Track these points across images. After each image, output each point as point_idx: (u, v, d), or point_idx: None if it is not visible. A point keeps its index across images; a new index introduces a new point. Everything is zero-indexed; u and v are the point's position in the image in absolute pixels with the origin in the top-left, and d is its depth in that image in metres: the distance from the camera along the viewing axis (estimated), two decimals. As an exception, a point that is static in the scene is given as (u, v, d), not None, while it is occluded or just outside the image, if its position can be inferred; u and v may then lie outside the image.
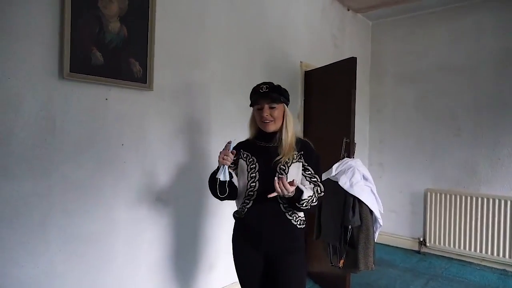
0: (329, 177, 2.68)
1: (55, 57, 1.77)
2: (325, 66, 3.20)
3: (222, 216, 2.63)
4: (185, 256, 2.46)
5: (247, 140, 1.86)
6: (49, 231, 1.79)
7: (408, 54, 4.38)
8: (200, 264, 2.56)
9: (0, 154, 1.61)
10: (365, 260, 2.52)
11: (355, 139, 4.17)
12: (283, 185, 1.47)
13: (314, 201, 1.65)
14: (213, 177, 1.69)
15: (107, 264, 2.02)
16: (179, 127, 2.39)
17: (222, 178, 1.62)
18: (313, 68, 3.39)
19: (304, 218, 1.76)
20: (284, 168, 1.67)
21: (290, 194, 1.53)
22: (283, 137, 1.68)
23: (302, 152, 1.73)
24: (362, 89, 4.54)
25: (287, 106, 1.75)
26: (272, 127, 1.70)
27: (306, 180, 1.72)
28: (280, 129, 1.72)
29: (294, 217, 1.70)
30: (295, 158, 1.70)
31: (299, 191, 1.60)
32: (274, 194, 1.52)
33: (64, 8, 1.75)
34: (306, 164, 1.72)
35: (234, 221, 1.82)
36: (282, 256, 1.68)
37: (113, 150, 2.04)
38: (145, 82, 2.12)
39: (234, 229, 1.83)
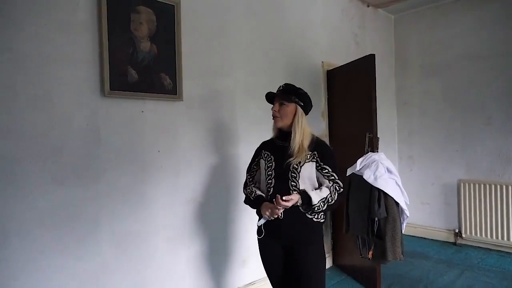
0: (354, 172, 2.77)
1: (97, 77, 2.01)
2: (345, 64, 3.29)
3: (252, 214, 2.78)
4: (219, 252, 2.65)
5: (270, 139, 2.01)
6: (100, 230, 2.04)
7: (433, 45, 4.35)
8: (233, 259, 2.74)
9: (55, 165, 1.87)
10: (393, 250, 2.58)
11: (379, 133, 4.21)
12: (279, 203, 1.67)
13: (331, 200, 1.77)
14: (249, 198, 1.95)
15: (150, 259, 2.25)
16: (209, 133, 2.58)
17: (259, 224, 1.86)
18: (335, 67, 3.48)
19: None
20: (296, 167, 1.78)
21: (289, 205, 1.70)
22: (292, 137, 1.80)
23: (316, 152, 1.82)
24: (387, 83, 4.56)
25: (302, 108, 1.84)
26: (279, 123, 1.84)
27: (324, 178, 1.83)
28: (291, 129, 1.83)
29: (310, 211, 1.82)
30: (308, 158, 1.80)
31: (308, 197, 1.74)
32: (280, 211, 1.73)
33: (102, 34, 1.99)
34: (322, 164, 1.81)
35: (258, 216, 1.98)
36: (300, 247, 1.80)
37: (151, 157, 2.27)
38: (176, 93, 2.34)
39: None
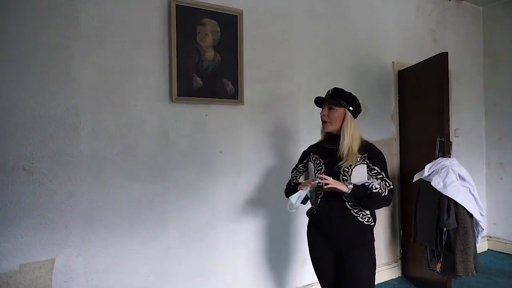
0: (422, 177, 2.62)
1: (166, 85, 2.26)
2: (416, 64, 3.11)
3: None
4: (279, 250, 2.72)
5: (318, 143, 2.03)
6: (167, 222, 2.27)
7: (531, 37, 3.82)
8: (293, 258, 2.79)
9: (131, 163, 2.15)
10: (464, 265, 2.37)
11: (463, 137, 3.86)
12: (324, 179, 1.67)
13: (381, 192, 1.71)
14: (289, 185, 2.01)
15: (211, 252, 2.43)
16: (269, 135, 2.68)
17: (293, 201, 1.79)
18: (406, 67, 3.30)
19: (369, 215, 1.83)
20: (347, 170, 1.77)
21: (341, 187, 1.68)
22: (341, 141, 1.80)
23: (366, 154, 1.81)
24: (473, 82, 4.15)
25: (351, 112, 1.83)
26: (328, 128, 1.85)
27: (372, 178, 1.80)
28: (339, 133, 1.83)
29: (361, 214, 1.79)
30: (358, 161, 1.79)
31: (364, 187, 1.72)
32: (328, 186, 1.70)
33: (171, 46, 2.23)
34: (371, 165, 1.80)
35: (308, 218, 2.00)
36: (350, 250, 1.79)
37: (213, 157, 2.45)
38: (237, 98, 2.48)
39: (308, 225, 2.01)
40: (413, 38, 3.57)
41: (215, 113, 2.44)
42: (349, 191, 1.70)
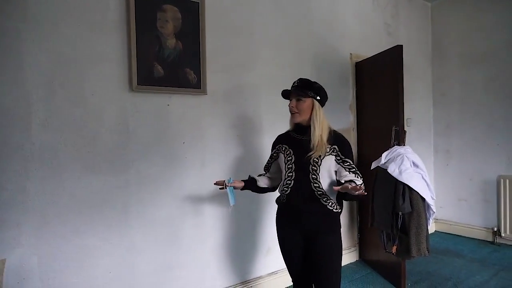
0: (379, 165, 2.74)
1: (125, 73, 2.16)
2: (373, 56, 3.23)
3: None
4: (244, 240, 2.74)
5: (286, 133, 2.05)
6: (129, 216, 2.20)
7: (475, 33, 4.11)
8: (258, 247, 2.82)
9: (89, 155, 2.05)
10: (418, 246, 2.54)
11: (413, 126, 4.08)
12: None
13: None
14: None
15: (177, 244, 2.39)
16: (233, 125, 2.67)
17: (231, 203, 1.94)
18: (363, 59, 3.42)
19: (337, 203, 1.88)
20: (317, 161, 1.81)
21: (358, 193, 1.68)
22: (311, 132, 1.83)
23: (336, 146, 1.85)
24: (423, 74, 4.40)
25: (318, 101, 1.87)
26: (297, 119, 1.87)
27: (346, 170, 1.85)
28: (309, 123, 1.87)
29: (330, 203, 1.84)
30: (327, 151, 1.83)
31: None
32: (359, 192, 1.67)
33: (130, 33, 2.13)
34: (344, 157, 1.84)
35: (277, 206, 2.03)
36: (319, 236, 1.84)
37: (176, 148, 2.39)
38: (200, 88, 2.43)
39: (277, 213, 2.04)
40: (370, 31, 3.70)
41: (178, 103, 2.38)
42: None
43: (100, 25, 2.08)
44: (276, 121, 2.85)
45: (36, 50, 1.89)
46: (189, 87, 2.39)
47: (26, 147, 1.87)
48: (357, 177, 1.85)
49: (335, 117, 3.34)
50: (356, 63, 3.49)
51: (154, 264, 2.29)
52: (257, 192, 2.11)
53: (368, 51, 3.51)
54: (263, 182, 2.07)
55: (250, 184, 2.05)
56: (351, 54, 3.48)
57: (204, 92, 2.45)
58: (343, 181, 1.83)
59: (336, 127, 3.29)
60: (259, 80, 2.81)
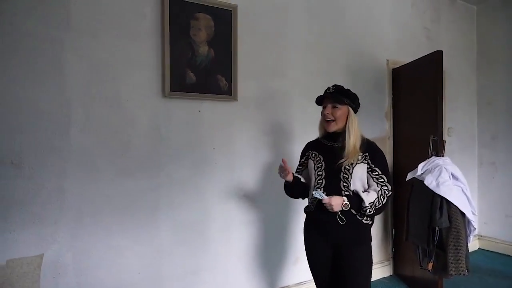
0: (414, 176, 2.62)
1: (159, 80, 2.23)
2: (411, 62, 3.11)
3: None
4: (272, 247, 2.71)
5: (316, 140, 2.01)
6: (159, 218, 2.25)
7: (525, 38, 3.84)
8: (286, 256, 2.78)
9: (123, 159, 2.12)
10: (456, 264, 2.38)
11: (455, 136, 3.87)
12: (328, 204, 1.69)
13: (378, 204, 1.75)
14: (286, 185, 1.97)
15: (204, 248, 2.41)
16: (263, 132, 2.66)
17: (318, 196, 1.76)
18: (401, 65, 3.30)
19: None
20: (348, 168, 1.77)
21: (338, 209, 1.71)
22: (346, 139, 1.79)
23: (367, 154, 1.81)
24: (467, 81, 4.17)
25: (353, 109, 1.83)
26: (333, 127, 1.83)
27: (373, 181, 1.80)
28: (344, 131, 1.82)
29: (359, 213, 1.78)
30: (359, 159, 1.79)
31: (359, 199, 1.73)
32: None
33: (164, 41, 2.20)
34: (373, 165, 1.80)
35: (305, 215, 1.99)
36: (348, 248, 1.78)
37: (206, 153, 2.42)
38: (231, 94, 2.46)
39: (305, 222, 2.00)
40: (407, 36, 3.57)
41: (209, 109, 2.42)
42: (345, 208, 1.73)
43: (136, 33, 2.16)
44: (306, 128, 2.81)
45: (77, 58, 2.00)
46: (220, 94, 2.42)
47: (65, 150, 1.97)
48: (383, 189, 1.78)
49: (369, 125, 3.25)
50: (393, 69, 3.37)
51: (181, 267, 2.33)
52: (295, 193, 2.00)
53: (406, 57, 3.38)
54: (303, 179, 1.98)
55: (296, 179, 1.94)
56: (387, 60, 3.37)
57: (235, 98, 2.47)
58: (369, 191, 1.79)
59: (371, 135, 3.22)
60: (290, 87, 2.79)
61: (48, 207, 1.93)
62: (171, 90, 2.23)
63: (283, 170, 1.86)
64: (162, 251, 2.26)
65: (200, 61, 2.34)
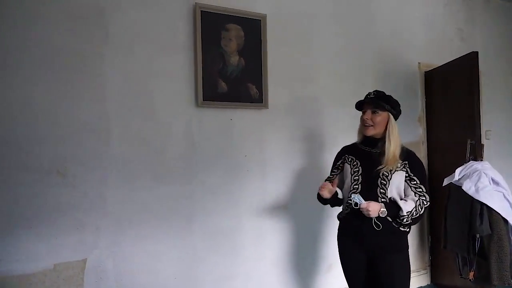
0: (452, 181, 2.54)
1: (192, 90, 2.30)
2: (444, 64, 3.03)
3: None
4: (304, 254, 2.70)
5: (353, 144, 2.00)
6: (193, 225, 2.30)
7: None
8: (319, 263, 2.76)
9: (157, 166, 2.20)
10: (500, 273, 2.27)
11: (494, 140, 3.71)
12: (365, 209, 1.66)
13: (415, 214, 1.72)
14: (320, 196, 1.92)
15: (237, 255, 2.44)
16: (294, 139, 2.67)
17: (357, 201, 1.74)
18: (433, 68, 3.22)
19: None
20: (387, 175, 1.75)
21: (375, 215, 1.68)
22: (386, 146, 1.77)
23: (406, 162, 1.79)
24: (505, 81, 3.99)
25: (393, 116, 1.82)
26: (371, 131, 1.81)
27: (411, 190, 1.77)
28: (383, 137, 1.81)
29: (395, 221, 1.75)
30: (398, 167, 1.77)
31: (397, 207, 1.71)
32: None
33: (196, 52, 2.27)
34: (412, 174, 1.78)
35: (339, 221, 1.98)
36: (385, 255, 1.75)
37: (238, 161, 2.46)
38: (261, 102, 2.50)
39: (338, 228, 1.99)
40: (440, 38, 3.48)
41: (240, 117, 2.46)
42: (383, 215, 1.71)
43: (169, 46, 2.25)
44: (338, 134, 2.80)
45: (115, 72, 2.11)
46: (251, 102, 2.46)
47: (105, 159, 2.07)
48: (421, 199, 1.75)
49: (402, 129, 3.11)
50: (425, 72, 3.30)
51: (215, 273, 2.36)
52: (330, 203, 1.97)
53: (438, 60, 3.29)
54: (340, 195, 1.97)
55: (335, 195, 1.92)
56: (419, 63, 3.30)
57: (266, 106, 2.51)
58: (406, 200, 1.76)
59: (404, 141, 3.10)
60: (320, 92, 2.79)
61: (90, 214, 2.03)
62: (203, 99, 2.29)
63: (326, 189, 1.82)
64: (196, 257, 2.31)
65: (231, 71, 2.39)
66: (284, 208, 2.63)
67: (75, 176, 2.00)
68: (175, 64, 2.26)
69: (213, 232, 2.37)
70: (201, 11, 2.28)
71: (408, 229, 1.82)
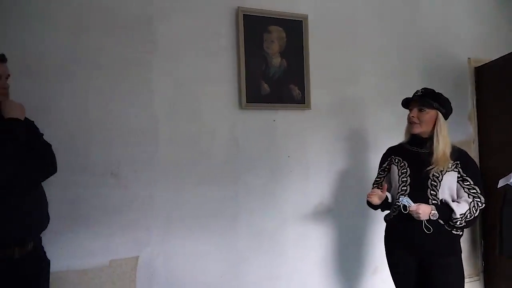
0: (508, 183, 2.39)
1: (235, 93, 2.34)
2: (498, 59, 2.86)
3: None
4: (349, 256, 2.66)
5: (399, 145, 1.95)
6: (238, 225, 2.35)
7: None
8: (364, 265, 2.70)
9: (204, 167, 2.27)
10: None
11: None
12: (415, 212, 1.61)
13: (469, 217, 1.66)
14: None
15: (280, 255, 2.45)
16: (337, 139, 2.64)
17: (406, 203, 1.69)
18: (485, 63, 3.05)
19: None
20: (437, 176, 1.69)
21: (426, 218, 1.63)
22: (435, 145, 1.71)
23: (458, 162, 1.72)
24: None
25: (442, 114, 1.75)
26: (417, 129, 1.76)
27: (465, 191, 1.70)
28: (431, 137, 1.74)
29: (447, 224, 1.68)
30: (450, 167, 1.70)
31: (449, 210, 1.64)
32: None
33: (240, 55, 2.32)
34: (465, 175, 1.71)
35: (386, 224, 1.93)
36: (437, 259, 1.70)
37: (282, 162, 2.48)
38: (304, 103, 2.49)
39: (386, 231, 1.94)
40: (493, 32, 3.28)
41: (283, 118, 2.47)
42: (434, 217, 1.65)
43: (213, 50, 2.31)
44: (382, 133, 2.73)
45: (162, 77, 2.19)
46: (293, 103, 2.47)
47: (154, 161, 2.16)
48: (476, 200, 1.68)
49: (450, 128, 3.00)
50: (476, 68, 3.13)
51: (258, 273, 2.39)
52: (378, 208, 1.92)
53: (491, 54, 3.11)
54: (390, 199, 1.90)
55: (385, 199, 1.86)
56: (469, 58, 3.14)
57: (308, 107, 2.50)
58: (459, 202, 1.69)
59: (453, 140, 2.98)
60: (363, 92, 2.74)
61: (141, 214, 2.13)
62: (247, 101, 2.33)
63: (376, 195, 1.77)
64: (240, 257, 2.35)
65: (274, 72, 2.41)
66: (328, 209, 2.60)
67: (127, 178, 2.11)
68: (219, 67, 2.31)
69: (257, 232, 2.40)
70: (243, 14, 2.32)
71: (461, 232, 1.75)
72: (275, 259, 2.44)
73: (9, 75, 1.51)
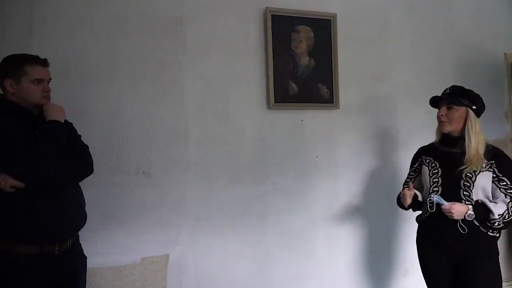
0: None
1: (264, 93, 2.35)
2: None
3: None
4: (379, 257, 2.62)
5: (430, 145, 1.90)
6: (266, 224, 2.35)
7: None
8: (394, 267, 2.65)
9: (233, 167, 2.29)
10: None
11: None
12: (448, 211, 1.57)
13: (507, 218, 1.60)
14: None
15: (309, 255, 2.44)
16: (366, 139, 2.60)
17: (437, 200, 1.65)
18: (522, 58, 2.93)
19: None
20: (471, 176, 1.64)
21: (460, 217, 1.58)
22: (466, 144, 1.66)
23: (493, 162, 1.65)
24: None
25: (474, 112, 1.69)
26: (447, 128, 1.71)
27: (501, 191, 1.64)
28: (463, 135, 1.69)
29: (484, 225, 1.63)
30: (484, 167, 1.64)
31: (486, 210, 1.58)
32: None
33: (268, 55, 2.32)
34: (501, 175, 1.64)
35: (418, 225, 1.89)
36: (472, 262, 1.64)
37: (310, 162, 2.46)
38: (332, 102, 2.47)
39: (418, 232, 1.90)
40: (530, 25, 3.14)
41: (311, 118, 2.46)
42: (469, 218, 1.60)
43: (242, 50, 2.32)
44: (413, 132, 2.66)
45: (192, 77, 2.23)
46: (321, 102, 2.45)
47: (185, 160, 2.20)
48: (511, 203, 1.60)
49: (485, 126, 2.90)
50: (513, 63, 3.01)
51: (287, 272, 2.38)
52: (410, 208, 1.86)
53: (529, 49, 2.99)
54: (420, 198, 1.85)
55: (415, 197, 1.82)
56: (505, 54, 3.02)
57: (337, 106, 2.48)
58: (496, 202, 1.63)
59: (488, 138, 2.87)
60: (394, 90, 2.68)
61: (172, 212, 2.17)
62: (275, 101, 2.33)
63: (407, 196, 1.73)
64: (270, 256, 2.35)
65: (302, 72, 2.40)
66: (357, 209, 2.57)
67: (158, 177, 2.15)
68: (247, 68, 2.32)
69: (286, 232, 2.40)
70: (271, 14, 2.32)
71: (497, 234, 1.68)
72: (304, 259, 2.43)
73: (50, 79, 1.57)
